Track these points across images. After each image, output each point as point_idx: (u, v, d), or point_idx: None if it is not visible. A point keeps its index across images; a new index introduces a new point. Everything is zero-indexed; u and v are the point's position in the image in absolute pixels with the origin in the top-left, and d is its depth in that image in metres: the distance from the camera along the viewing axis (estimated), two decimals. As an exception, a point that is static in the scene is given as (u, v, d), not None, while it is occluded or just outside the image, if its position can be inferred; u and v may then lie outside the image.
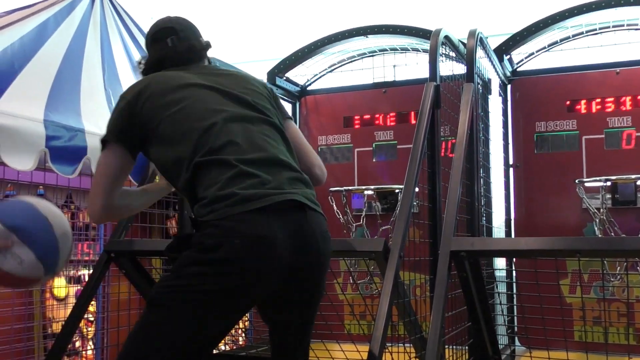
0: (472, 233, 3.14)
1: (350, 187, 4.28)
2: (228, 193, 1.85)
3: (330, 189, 4.33)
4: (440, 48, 3.48)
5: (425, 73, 3.42)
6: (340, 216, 4.29)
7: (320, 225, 2.02)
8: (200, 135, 1.95)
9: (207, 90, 2.08)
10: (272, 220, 1.86)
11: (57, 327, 4.50)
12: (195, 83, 2.09)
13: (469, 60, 3.28)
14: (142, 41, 4.13)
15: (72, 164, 2.96)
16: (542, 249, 2.39)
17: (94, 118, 3.23)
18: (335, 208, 4.31)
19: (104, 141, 2.07)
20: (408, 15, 5.28)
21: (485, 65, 4.08)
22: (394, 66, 4.85)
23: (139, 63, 2.31)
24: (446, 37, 3.41)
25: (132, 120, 2.02)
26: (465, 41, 3.43)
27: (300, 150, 2.25)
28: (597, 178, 3.77)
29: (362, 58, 4.80)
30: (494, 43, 4.21)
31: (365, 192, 4.28)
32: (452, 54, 3.65)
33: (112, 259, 3.07)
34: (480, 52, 3.84)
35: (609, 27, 4.19)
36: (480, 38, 3.54)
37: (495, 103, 4.41)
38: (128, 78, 3.83)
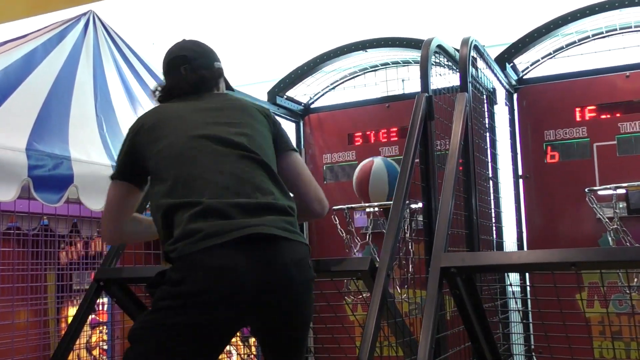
0: (471, 248, 3.01)
1: (353, 205, 4.17)
2: (193, 229, 1.89)
3: (334, 207, 4.23)
4: (434, 58, 3.39)
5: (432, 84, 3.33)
6: (344, 234, 4.18)
7: (293, 254, 1.99)
8: (176, 173, 2.00)
9: (194, 124, 2.11)
10: (236, 253, 1.87)
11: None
12: (182, 116, 2.14)
13: (462, 69, 3.17)
14: (138, 67, 4.13)
15: (58, 192, 2.93)
16: (535, 263, 2.26)
17: (83, 145, 3.21)
18: (339, 226, 4.21)
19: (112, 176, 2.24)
20: (412, 29, 5.21)
21: (488, 75, 3.96)
22: (403, 80, 4.76)
23: (154, 91, 2.39)
24: (439, 46, 3.31)
25: (130, 158, 2.16)
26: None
27: (300, 184, 2.25)
28: (607, 186, 3.60)
29: (365, 73, 4.71)
30: (498, 53, 4.10)
31: (368, 210, 4.16)
32: (450, 64, 3.55)
33: (102, 287, 3.02)
34: (480, 62, 3.74)
35: (615, 29, 4.03)
36: (476, 46, 3.43)
37: (501, 113, 4.28)
38: (122, 104, 3.82)
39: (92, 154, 3.15)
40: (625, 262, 2.22)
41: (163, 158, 2.05)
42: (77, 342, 4.48)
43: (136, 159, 2.13)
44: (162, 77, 4.42)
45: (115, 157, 3.26)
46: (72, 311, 4.81)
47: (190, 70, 2.26)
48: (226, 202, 1.94)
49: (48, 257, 4.54)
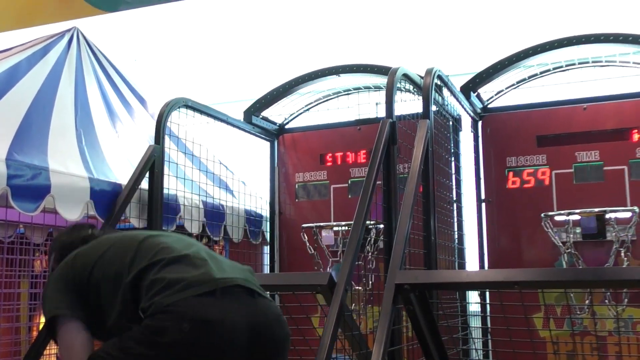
0: (429, 267, 3.17)
1: (321, 223, 4.33)
2: (174, 279, 1.90)
3: (303, 225, 4.39)
4: (402, 84, 3.58)
5: (400, 111, 3.51)
6: (312, 251, 4.33)
7: (272, 309, 2.07)
8: (134, 257, 2.03)
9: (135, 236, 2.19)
10: (223, 304, 1.90)
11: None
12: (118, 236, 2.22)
13: (425, 97, 3.36)
14: (119, 82, 4.28)
15: (35, 202, 3.04)
16: (482, 281, 2.43)
17: (62, 157, 3.33)
18: (307, 244, 4.36)
19: None
20: (386, 56, 5.41)
21: (453, 103, 4.16)
22: (377, 104, 4.94)
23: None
24: (405, 75, 3.50)
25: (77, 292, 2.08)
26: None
27: None
28: (561, 212, 3.80)
29: (338, 96, 4.89)
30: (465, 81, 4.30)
31: (336, 228, 4.32)
32: (416, 91, 3.74)
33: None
34: (446, 90, 3.93)
35: (574, 64, 4.26)
36: (440, 76, 3.62)
37: (467, 139, 4.48)
38: (101, 118, 3.95)
39: (69, 165, 3.27)
40: (563, 282, 2.40)
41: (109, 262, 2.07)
42: (47, 349, 4.57)
43: (81, 286, 2.07)
44: (142, 93, 4.58)
45: (93, 171, 3.39)
46: (43, 319, 4.88)
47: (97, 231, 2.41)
48: (202, 261, 2.02)
49: (22, 265, 4.62)
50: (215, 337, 1.85)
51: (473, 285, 2.53)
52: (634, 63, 4.08)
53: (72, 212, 3.18)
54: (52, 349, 4.68)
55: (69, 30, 4.17)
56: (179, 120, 3.94)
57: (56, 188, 3.12)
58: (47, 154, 3.25)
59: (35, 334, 5.07)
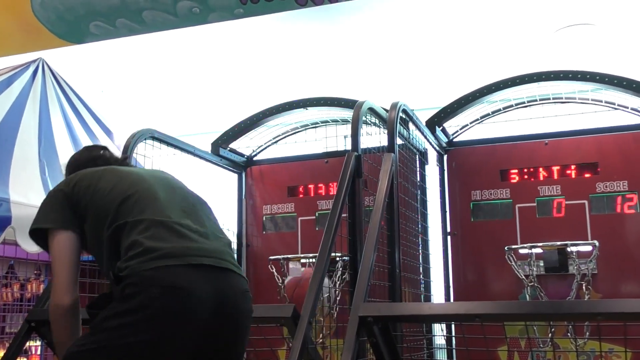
0: (393, 299, 3.18)
1: (288, 256, 4.32)
2: (151, 247, 1.96)
3: (270, 257, 4.37)
4: (368, 118, 3.63)
5: (366, 144, 3.56)
6: (280, 282, 4.31)
7: (241, 284, 2.12)
8: (121, 203, 2.10)
9: (135, 173, 2.29)
10: (192, 274, 1.96)
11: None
12: (121, 168, 2.31)
13: (390, 131, 3.41)
14: (84, 113, 4.26)
15: (-5, 233, 3.00)
16: (444, 314, 2.45)
17: (23, 188, 3.30)
18: (275, 275, 4.35)
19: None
20: (355, 90, 5.49)
21: (419, 137, 4.22)
22: (345, 137, 4.98)
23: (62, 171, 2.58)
24: (370, 109, 3.55)
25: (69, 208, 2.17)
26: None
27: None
28: (524, 245, 3.85)
29: (306, 129, 4.93)
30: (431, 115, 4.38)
31: (304, 260, 4.31)
32: (381, 125, 3.79)
33: (32, 328, 3.06)
34: (412, 124, 4.00)
35: (536, 100, 4.36)
36: (405, 110, 3.68)
37: (433, 173, 4.53)
38: (66, 149, 3.92)
39: (31, 197, 3.24)
40: (523, 315, 2.43)
41: (103, 197, 2.14)
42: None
43: (75, 208, 2.16)
44: (108, 124, 4.56)
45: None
46: (1, 353, 4.75)
47: (109, 152, 2.54)
48: (185, 228, 2.07)
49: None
50: (182, 303, 1.90)
51: (435, 318, 2.55)
52: (592, 100, 4.20)
53: (33, 244, 3.12)
54: None
55: (34, 61, 4.16)
56: (145, 151, 3.92)
57: (17, 220, 3.09)
58: (8, 185, 3.22)
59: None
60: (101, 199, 2.13)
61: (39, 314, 3.09)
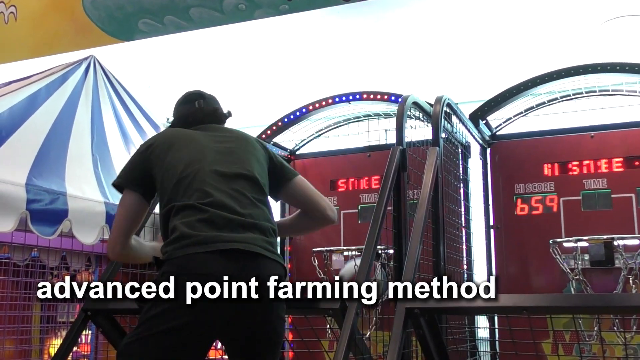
0: (438, 292, 3.19)
1: (332, 248, 4.38)
2: (186, 234, 2.07)
3: (313, 249, 4.44)
4: (412, 112, 3.65)
5: (409, 138, 3.58)
6: (322, 275, 4.37)
7: (272, 271, 2.17)
8: (176, 183, 2.20)
9: (202, 146, 2.33)
10: (221, 260, 2.05)
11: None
12: (195, 138, 2.37)
13: (435, 125, 3.42)
14: (133, 109, 4.37)
15: (52, 226, 3.12)
16: (491, 307, 2.46)
17: (79, 182, 3.41)
18: (317, 268, 4.41)
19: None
20: (397, 84, 5.50)
21: (462, 130, 4.22)
22: (386, 131, 5.01)
23: (168, 119, 2.61)
24: (414, 103, 3.57)
25: (141, 170, 2.33)
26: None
27: (312, 199, 2.53)
28: (569, 239, 3.83)
29: (348, 123, 4.97)
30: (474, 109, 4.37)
31: (346, 253, 4.36)
32: (425, 119, 3.81)
33: (89, 317, 3.17)
34: (455, 118, 4.00)
35: (581, 92, 4.32)
36: (449, 104, 3.68)
37: (476, 166, 4.53)
38: (117, 144, 4.04)
39: (86, 190, 3.35)
40: (571, 308, 2.44)
41: (168, 171, 2.25)
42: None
43: (146, 172, 2.30)
44: (155, 119, 4.67)
45: (109, 196, 3.47)
46: (56, 342, 4.92)
47: (205, 104, 2.52)
48: (220, 216, 2.14)
49: (35, 288, 4.68)
50: (211, 289, 2.00)
51: (482, 310, 2.57)
52: (640, 92, 4.14)
53: (88, 236, 3.25)
54: None
55: (86, 58, 4.29)
56: (192, 145, 4.00)
57: (73, 212, 3.20)
58: (64, 179, 3.34)
59: (46, 357, 5.11)
60: (165, 173, 2.25)
61: (94, 303, 3.19)
